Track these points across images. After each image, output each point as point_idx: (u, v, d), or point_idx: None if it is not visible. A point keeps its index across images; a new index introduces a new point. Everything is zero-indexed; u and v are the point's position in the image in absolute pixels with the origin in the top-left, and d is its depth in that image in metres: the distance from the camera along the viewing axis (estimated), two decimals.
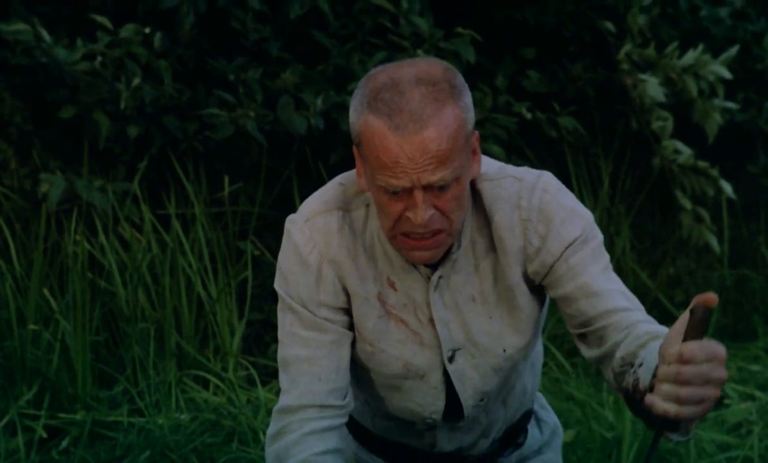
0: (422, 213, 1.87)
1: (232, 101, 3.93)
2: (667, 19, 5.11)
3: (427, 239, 1.91)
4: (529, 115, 4.39)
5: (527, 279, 2.04)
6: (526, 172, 2.04)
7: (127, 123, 3.83)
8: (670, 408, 1.61)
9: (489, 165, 2.06)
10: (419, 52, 4.07)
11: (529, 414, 2.29)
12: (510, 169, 2.06)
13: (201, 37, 4.10)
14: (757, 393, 3.96)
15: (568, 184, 4.72)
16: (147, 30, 3.86)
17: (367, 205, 2.03)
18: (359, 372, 2.12)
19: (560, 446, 2.39)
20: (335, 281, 2.03)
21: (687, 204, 4.55)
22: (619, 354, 1.91)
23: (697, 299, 1.59)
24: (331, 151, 4.08)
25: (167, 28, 3.97)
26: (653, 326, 1.92)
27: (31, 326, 3.49)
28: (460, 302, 2.04)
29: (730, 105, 4.72)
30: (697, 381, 1.59)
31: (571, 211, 2.00)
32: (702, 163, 4.54)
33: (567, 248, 1.99)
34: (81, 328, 3.48)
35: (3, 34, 3.75)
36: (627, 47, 4.62)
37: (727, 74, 4.61)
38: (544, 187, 2.01)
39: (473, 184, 2.01)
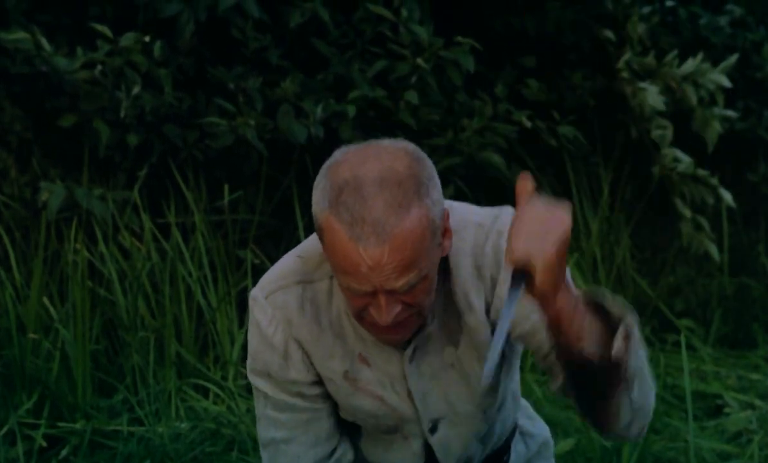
0: (386, 315, 1.79)
1: (232, 110, 3.93)
2: (667, 27, 5.11)
3: (394, 327, 1.83)
4: (528, 124, 4.40)
5: (493, 326, 1.96)
6: (488, 215, 1.94)
7: (127, 131, 3.83)
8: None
9: (453, 214, 1.93)
10: (419, 60, 4.07)
11: (513, 432, 2.27)
12: (474, 215, 1.95)
13: (201, 45, 4.10)
14: (757, 402, 3.96)
15: (567, 193, 4.75)
16: (147, 38, 3.86)
17: (331, 277, 1.94)
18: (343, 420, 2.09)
19: (552, 456, 2.36)
20: (304, 357, 1.97)
21: (687, 212, 4.55)
22: None
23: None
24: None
25: (167, 37, 3.98)
26: None
27: (31, 335, 3.49)
28: (438, 371, 1.98)
29: (730, 113, 4.72)
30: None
31: None
32: (702, 172, 4.54)
33: None
34: (81, 336, 3.48)
35: (3, 42, 3.75)
36: (627, 56, 4.62)
37: (726, 83, 4.61)
38: (499, 229, 1.91)
39: None
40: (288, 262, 1.98)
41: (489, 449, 2.18)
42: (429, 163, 1.82)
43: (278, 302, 1.95)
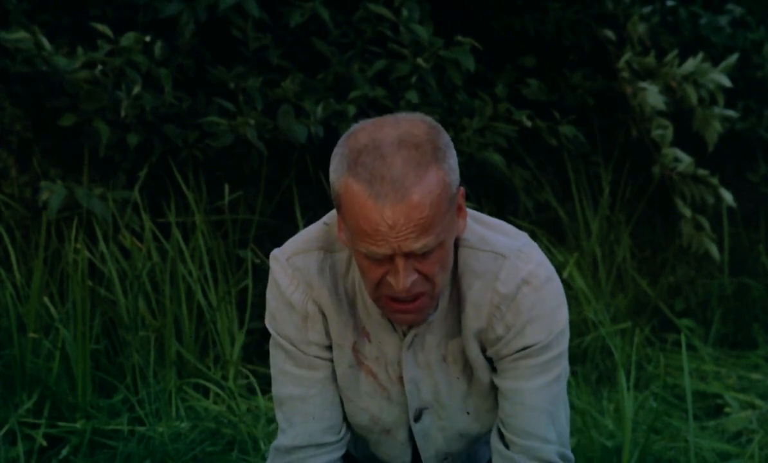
0: (404, 280, 1.81)
1: (232, 109, 3.94)
2: (667, 27, 5.11)
3: (410, 302, 1.86)
4: (529, 124, 4.40)
5: (486, 356, 2.00)
6: (516, 251, 1.94)
7: (128, 131, 3.83)
8: None
9: (473, 228, 1.96)
10: (419, 60, 4.07)
11: None
12: (497, 241, 1.95)
13: (201, 45, 4.10)
14: (758, 402, 3.96)
15: (568, 192, 4.75)
16: (147, 38, 3.87)
17: None
18: None
19: None
20: (322, 320, 2.00)
21: (687, 212, 4.55)
22: None
23: None
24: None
25: (168, 37, 3.98)
26: None
27: (32, 335, 3.49)
28: (432, 362, 2.00)
29: (730, 113, 4.72)
30: None
31: (546, 313, 1.93)
32: (702, 172, 4.54)
33: (524, 349, 1.94)
34: (81, 336, 3.48)
35: (4, 42, 3.75)
36: (627, 55, 4.62)
37: (727, 82, 4.61)
38: (527, 277, 1.93)
39: (455, 244, 1.94)
40: (313, 228, 2.02)
41: (477, 459, 2.19)
42: (445, 134, 1.86)
43: (299, 264, 1.99)
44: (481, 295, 1.94)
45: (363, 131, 1.84)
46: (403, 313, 1.89)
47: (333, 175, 1.86)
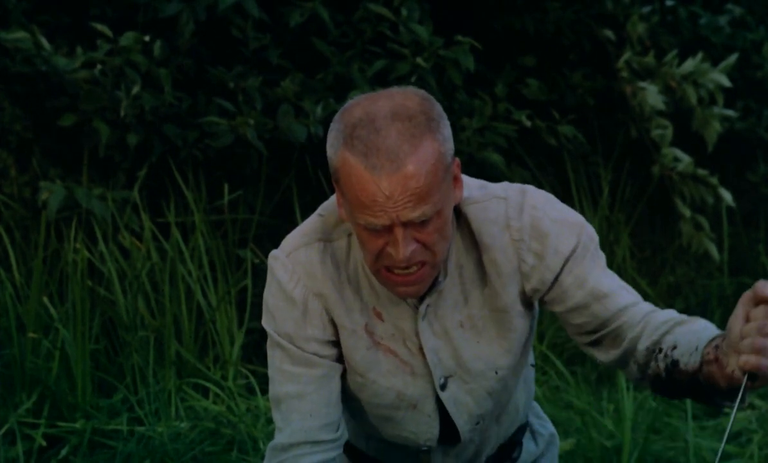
0: (403, 250, 1.85)
1: (231, 109, 3.94)
2: (667, 27, 5.11)
3: (411, 274, 1.89)
4: (528, 123, 4.40)
5: (523, 298, 2.03)
6: (510, 190, 2.01)
7: (127, 131, 3.83)
8: (751, 359, 1.77)
9: (470, 186, 2.02)
10: (419, 59, 4.07)
11: (523, 428, 2.28)
12: (492, 188, 2.02)
13: (201, 45, 4.10)
14: (757, 401, 3.96)
15: (567, 192, 4.75)
16: (147, 38, 3.87)
17: (349, 235, 2.00)
18: (351, 401, 2.11)
19: (556, 455, 2.38)
20: (323, 314, 2.01)
21: (687, 212, 4.55)
22: (641, 346, 1.94)
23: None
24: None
25: (167, 37, 3.98)
26: (664, 313, 1.97)
27: (31, 335, 3.49)
28: (450, 329, 2.02)
29: (730, 113, 4.72)
30: None
31: (562, 222, 1.99)
32: (701, 172, 4.54)
33: (567, 260, 1.98)
34: (81, 336, 3.48)
35: (3, 42, 3.75)
36: (626, 55, 4.62)
37: (726, 82, 4.61)
38: (532, 203, 1.99)
39: (458, 209, 1.98)
40: (309, 221, 2.06)
41: (503, 435, 2.20)
42: (438, 105, 1.91)
43: (300, 258, 2.01)
44: (501, 238, 1.99)
45: (357, 106, 1.88)
46: (405, 285, 1.91)
47: (330, 150, 1.90)
